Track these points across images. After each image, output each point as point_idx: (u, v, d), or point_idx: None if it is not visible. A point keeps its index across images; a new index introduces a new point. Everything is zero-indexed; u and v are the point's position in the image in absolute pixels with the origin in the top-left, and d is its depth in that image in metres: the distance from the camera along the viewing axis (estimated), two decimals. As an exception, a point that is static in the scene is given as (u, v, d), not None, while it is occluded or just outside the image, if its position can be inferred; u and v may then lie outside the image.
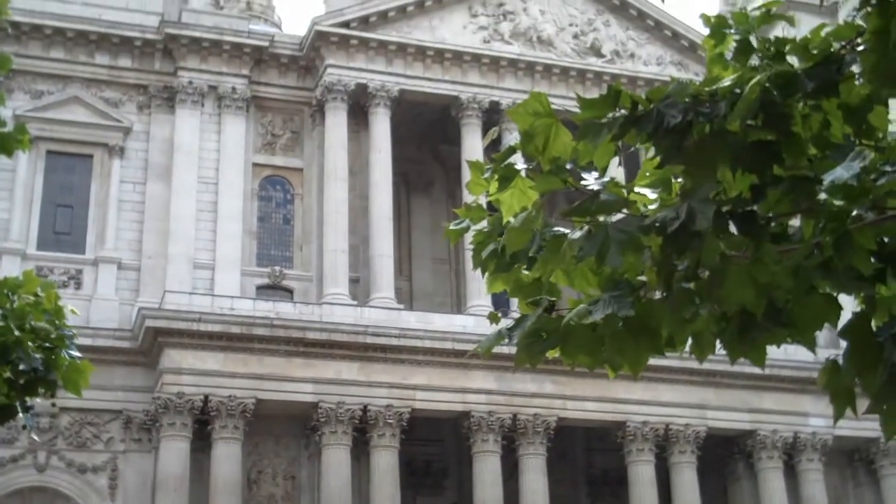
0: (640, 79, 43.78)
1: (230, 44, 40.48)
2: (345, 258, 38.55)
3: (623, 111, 4.84)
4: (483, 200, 5.58)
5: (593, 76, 43.57)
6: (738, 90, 4.61)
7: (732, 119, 4.56)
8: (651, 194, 4.99)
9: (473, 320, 37.32)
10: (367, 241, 39.37)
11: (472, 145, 41.05)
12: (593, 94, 42.51)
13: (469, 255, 39.14)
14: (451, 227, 5.75)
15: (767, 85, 4.56)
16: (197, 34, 40.09)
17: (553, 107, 5.22)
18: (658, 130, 4.73)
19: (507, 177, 5.26)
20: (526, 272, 5.34)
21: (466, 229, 5.69)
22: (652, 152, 4.84)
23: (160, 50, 40.33)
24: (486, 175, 5.38)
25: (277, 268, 39.33)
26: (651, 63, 44.97)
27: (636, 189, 5.06)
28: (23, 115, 36.42)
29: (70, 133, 38.80)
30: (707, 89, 4.76)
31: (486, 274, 5.51)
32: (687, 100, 4.72)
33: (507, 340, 5.45)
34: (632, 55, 44.84)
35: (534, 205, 5.20)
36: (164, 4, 41.57)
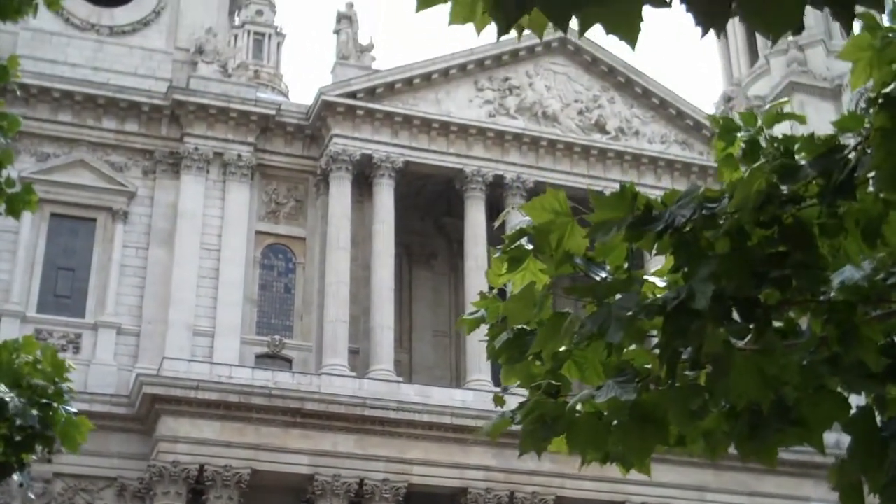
0: (645, 156, 43.99)
1: (237, 111, 40.69)
2: (345, 329, 38.43)
3: (636, 212, 4.80)
4: (491, 284, 5.52)
5: (598, 152, 43.73)
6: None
7: (731, 207, 4.52)
8: (660, 282, 4.93)
9: (473, 395, 37.11)
10: (367, 313, 39.26)
11: (476, 219, 41.12)
12: (597, 170, 43.07)
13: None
14: (466, 317, 5.69)
15: (772, 182, 4.53)
16: (204, 101, 40.31)
17: (564, 190, 5.15)
18: (668, 232, 4.67)
19: (518, 258, 5.20)
20: (538, 363, 5.27)
21: (482, 320, 5.61)
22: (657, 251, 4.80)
23: (167, 116, 40.54)
24: (497, 255, 5.32)
25: (277, 337, 39.19)
26: (655, 141, 45.16)
27: (645, 277, 5.00)
28: (28, 176, 36.44)
29: (75, 196, 38.88)
30: (715, 195, 4.72)
31: (502, 366, 5.44)
32: (696, 203, 4.67)
33: (512, 424, 5.38)
34: (636, 132, 45.02)
35: (543, 286, 5.15)
36: (173, 71, 41.86)
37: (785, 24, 3.66)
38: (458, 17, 3.98)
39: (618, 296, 4.83)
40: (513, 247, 5.24)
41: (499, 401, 5.71)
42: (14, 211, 10.83)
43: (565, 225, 5.03)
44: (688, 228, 4.57)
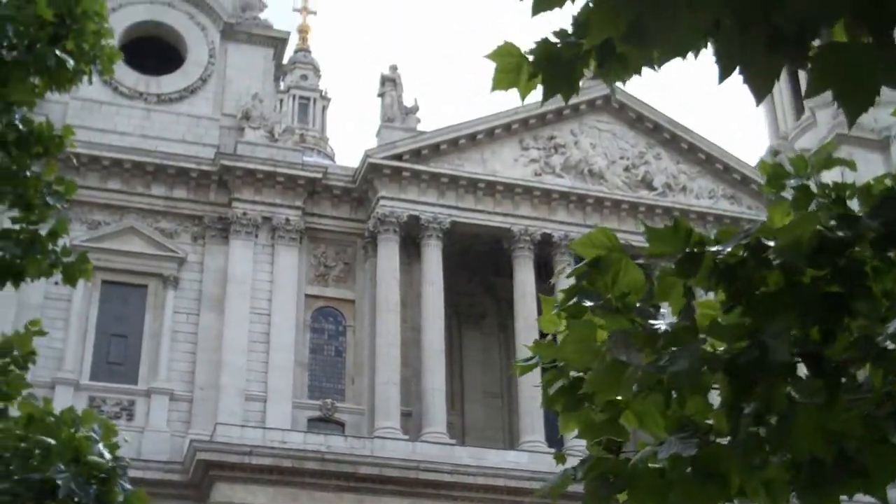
0: (693, 212, 43.72)
1: (284, 175, 40.97)
2: (396, 391, 38.31)
3: (690, 248, 4.71)
4: (545, 330, 5.44)
5: (645, 209, 43.56)
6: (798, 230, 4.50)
7: (777, 247, 4.44)
8: (719, 318, 4.84)
9: (527, 456, 36.76)
10: (418, 375, 39.14)
11: (525, 278, 41.01)
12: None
13: (521, 389, 38.91)
14: (520, 362, 5.60)
15: (828, 227, 4.45)
16: (252, 166, 40.64)
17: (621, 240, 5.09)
18: (723, 270, 4.59)
19: (576, 315, 5.12)
20: (598, 413, 5.17)
21: (535, 365, 5.52)
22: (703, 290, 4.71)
23: (215, 181, 40.88)
24: (555, 311, 5.24)
25: (329, 400, 39.12)
26: (703, 196, 44.93)
27: (703, 336, 4.90)
28: (80, 245, 36.75)
29: (125, 263, 39.20)
30: (768, 236, 4.64)
31: (559, 414, 5.34)
32: (746, 241, 4.59)
33: (574, 482, 5.28)
34: (683, 188, 44.83)
35: (602, 342, 5.06)
36: (220, 137, 42.30)
37: (861, 105, 3.61)
38: (502, 84, 4.00)
39: (677, 349, 4.74)
40: (570, 303, 5.16)
41: (559, 458, 5.62)
42: (70, 279, 10.92)
43: (619, 261, 4.97)
44: (742, 266, 4.50)
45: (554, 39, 4.04)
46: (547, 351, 5.34)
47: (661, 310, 5.00)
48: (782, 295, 4.49)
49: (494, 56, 4.03)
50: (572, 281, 5.09)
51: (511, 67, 3.98)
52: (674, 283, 4.82)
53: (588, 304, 5.03)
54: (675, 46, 3.66)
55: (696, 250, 4.71)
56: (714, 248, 4.66)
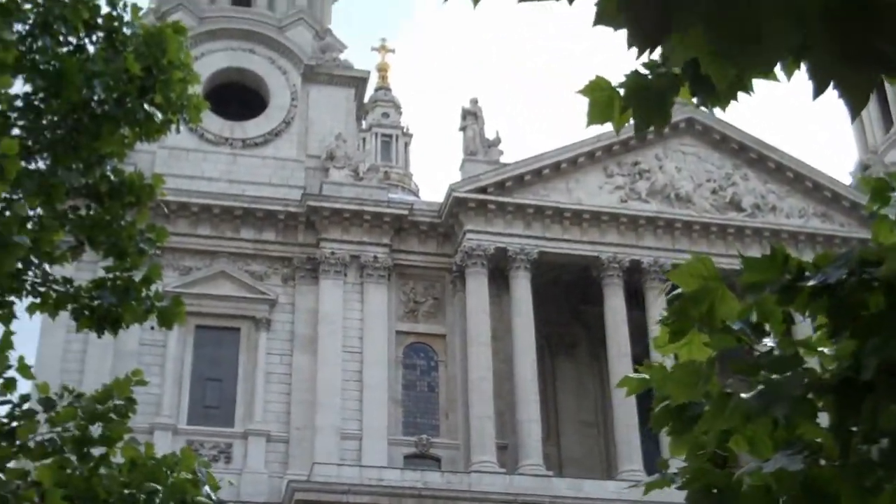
0: (784, 231, 43.14)
1: (371, 214, 41.21)
2: (491, 425, 38.17)
3: (788, 275, 4.61)
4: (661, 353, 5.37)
5: (735, 231, 43.04)
6: None
7: (885, 271, 4.31)
8: (827, 350, 4.72)
9: (627, 486, 36.33)
10: (512, 407, 38.97)
11: (615, 305, 40.72)
12: (735, 249, 42.19)
13: (617, 417, 38.55)
14: (631, 376, 5.52)
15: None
16: (338, 206, 40.95)
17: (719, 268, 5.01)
18: (824, 294, 4.48)
19: (681, 331, 5.03)
20: (706, 436, 5.08)
21: (644, 381, 5.44)
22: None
23: (303, 222, 41.23)
24: (657, 325, 5.15)
25: (424, 436, 39.12)
26: (794, 216, 44.28)
27: (811, 348, 4.79)
28: (172, 290, 37.22)
29: (218, 307, 39.65)
30: (874, 256, 4.51)
31: (668, 435, 5.26)
32: (853, 262, 4.47)
33: (671, 486, 5.18)
34: (773, 208, 44.24)
35: (707, 361, 4.97)
36: (306, 178, 42.72)
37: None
38: (595, 118, 3.98)
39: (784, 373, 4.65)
40: (674, 319, 5.09)
41: (662, 465, 5.53)
42: (165, 322, 11.05)
43: (716, 290, 4.89)
44: (843, 288, 4.38)
45: (644, 71, 4.01)
46: (657, 372, 5.27)
47: (766, 330, 4.92)
48: (885, 317, 4.36)
49: (587, 91, 4.03)
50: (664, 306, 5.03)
51: (603, 101, 3.97)
52: (773, 309, 4.72)
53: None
54: (764, 64, 3.59)
55: (794, 278, 4.61)
56: (815, 282, 4.53)
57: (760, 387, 4.60)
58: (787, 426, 4.64)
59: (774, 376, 4.63)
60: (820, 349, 4.74)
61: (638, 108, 3.75)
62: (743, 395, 4.70)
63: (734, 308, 4.86)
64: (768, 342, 4.78)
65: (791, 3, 3.29)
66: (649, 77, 4.01)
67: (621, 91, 3.98)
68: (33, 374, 10.36)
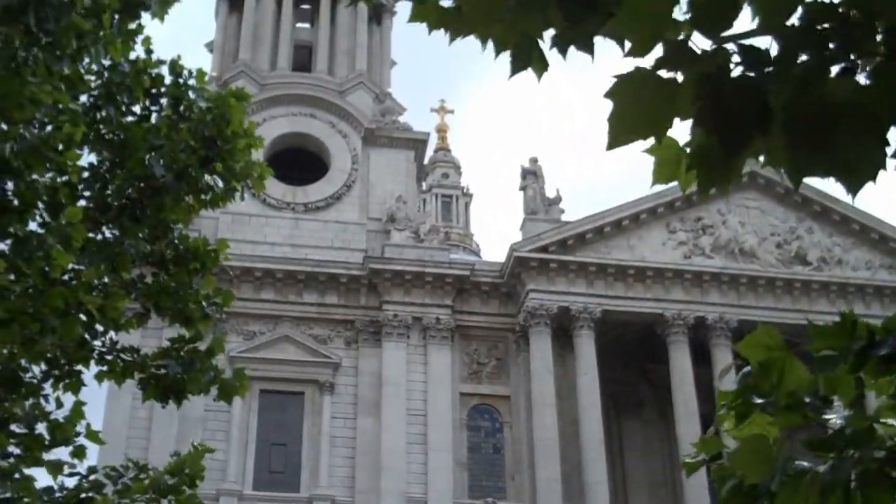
0: (851, 285, 42.55)
1: (432, 275, 41.19)
2: (558, 487, 37.72)
3: (858, 341, 4.47)
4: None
5: (801, 285, 42.49)
6: None
7: None
8: (897, 422, 4.56)
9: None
10: (579, 468, 38.49)
11: (681, 363, 40.24)
12: (803, 303, 41.77)
13: (687, 478, 37.89)
14: (688, 460, 5.38)
15: None
16: (400, 268, 40.99)
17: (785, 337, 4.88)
18: (888, 358, 4.33)
19: (745, 414, 4.89)
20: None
21: (703, 463, 5.31)
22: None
23: (365, 285, 41.30)
24: (722, 412, 5.02)
25: (490, 499, 38.73)
26: (860, 268, 43.67)
27: (882, 420, 4.63)
28: (236, 355, 37.49)
29: (281, 371, 39.70)
30: None
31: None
32: None
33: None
34: (839, 261, 43.67)
35: (775, 441, 4.81)
36: (367, 240, 42.85)
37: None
38: (662, 178, 3.94)
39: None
40: (739, 402, 4.97)
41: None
42: (226, 396, 11.03)
43: (783, 360, 4.76)
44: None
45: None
46: (713, 446, 5.15)
47: (834, 402, 4.78)
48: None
49: (653, 150, 3.96)
50: (732, 376, 4.92)
51: (670, 160, 3.91)
52: (843, 376, 4.57)
53: (757, 401, 4.84)
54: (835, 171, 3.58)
55: (865, 345, 4.46)
56: (887, 350, 4.38)
57: (833, 461, 4.48)
58: (863, 500, 4.49)
59: (850, 451, 4.51)
60: (891, 421, 4.60)
61: (703, 168, 3.67)
62: (818, 470, 4.59)
63: (803, 378, 4.75)
64: (836, 415, 4.64)
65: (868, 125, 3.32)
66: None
67: (687, 150, 3.92)
68: (102, 440, 10.36)
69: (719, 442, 5.31)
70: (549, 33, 3.82)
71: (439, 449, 38.69)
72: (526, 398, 40.18)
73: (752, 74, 3.45)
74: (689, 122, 3.62)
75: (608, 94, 3.61)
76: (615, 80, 3.57)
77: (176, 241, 11.24)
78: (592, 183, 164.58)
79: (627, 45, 3.60)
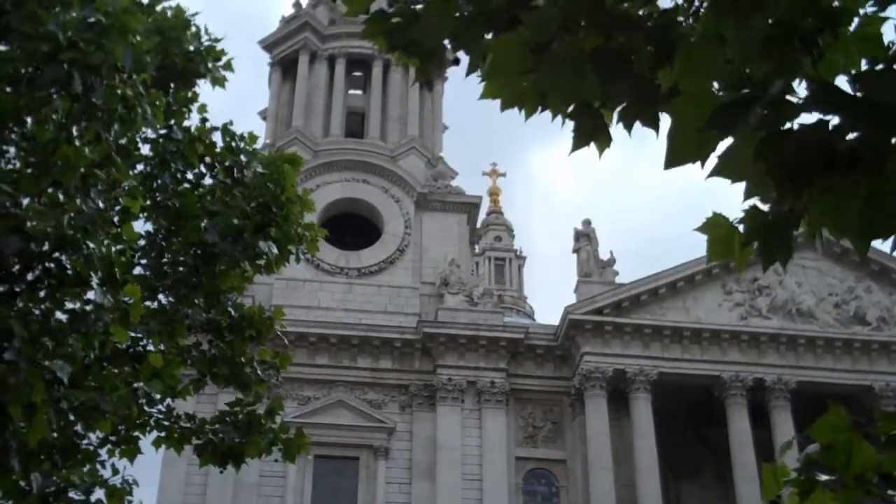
0: (912, 345, 41.91)
1: (486, 339, 41.08)
2: (617, 551, 37.20)
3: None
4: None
5: (860, 345, 41.89)
6: None
7: None
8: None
9: None
10: (637, 533, 37.98)
11: (740, 426, 39.71)
12: (863, 363, 41.17)
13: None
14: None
15: None
16: (454, 332, 40.91)
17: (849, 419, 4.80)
18: None
19: (808, 490, 4.80)
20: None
21: (781, 512, 5.21)
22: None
23: (419, 349, 41.24)
24: (787, 490, 4.93)
25: (548, 565, 38.29)
26: (922, 327, 42.99)
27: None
28: (291, 421, 37.38)
29: (336, 437, 39.61)
30: None
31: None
32: None
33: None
34: (899, 321, 43.04)
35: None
36: (421, 304, 42.84)
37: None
38: (717, 255, 3.98)
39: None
40: (802, 478, 4.89)
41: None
42: (290, 455, 11.06)
43: (850, 441, 4.68)
44: None
45: (763, 206, 3.93)
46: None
47: None
48: None
49: (705, 228, 3.98)
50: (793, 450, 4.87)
51: (723, 238, 3.96)
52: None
53: (822, 478, 4.75)
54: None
55: None
56: None
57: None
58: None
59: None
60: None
61: (761, 243, 3.68)
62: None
63: (871, 458, 4.67)
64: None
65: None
66: (768, 212, 3.93)
67: (741, 227, 3.91)
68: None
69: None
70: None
71: (495, 514, 38.37)
72: (582, 462, 39.80)
73: (822, 117, 3.43)
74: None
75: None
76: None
77: (230, 309, 11.30)
78: (648, 244, 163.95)
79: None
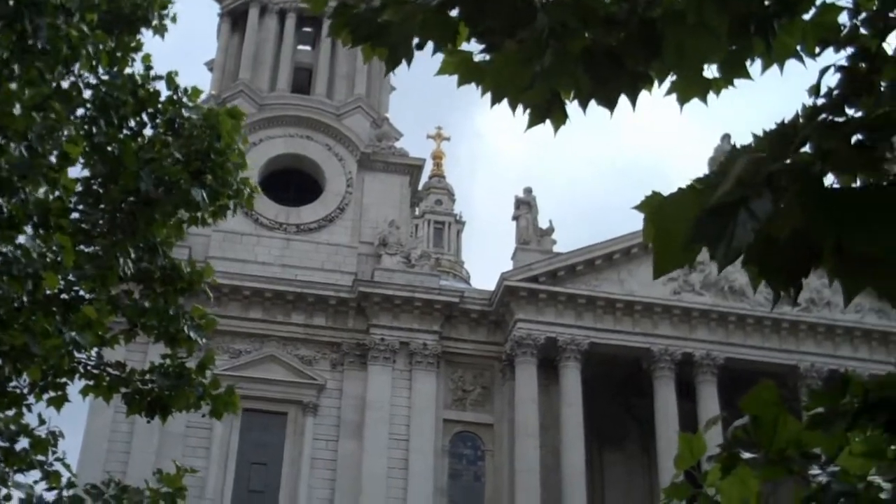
0: (839, 327, 42.61)
1: (422, 301, 41.20)
2: (537, 517, 37.63)
3: (854, 400, 4.51)
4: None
5: (789, 325, 42.53)
6: None
7: None
8: (884, 483, 4.59)
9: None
10: (559, 500, 38.44)
11: (666, 398, 40.26)
12: (790, 343, 41.79)
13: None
14: (676, 486, 5.39)
15: None
16: (389, 292, 40.98)
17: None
18: (894, 421, 4.38)
19: (730, 467, 4.93)
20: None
21: (689, 491, 5.32)
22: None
23: (353, 308, 41.27)
24: (707, 466, 5.04)
25: (469, 527, 38.66)
26: (849, 311, 43.64)
27: (869, 478, 4.66)
28: (222, 374, 37.22)
29: (266, 391, 39.61)
30: None
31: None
32: None
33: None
34: (828, 303, 43.70)
35: (755, 497, 4.84)
36: (358, 264, 42.83)
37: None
38: (651, 235, 3.99)
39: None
40: (724, 455, 5.00)
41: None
42: (217, 413, 11.07)
43: (777, 416, 4.79)
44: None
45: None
46: (683, 492, 5.16)
47: (822, 458, 4.82)
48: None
49: (643, 207, 4.02)
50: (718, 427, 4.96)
51: (674, 251, 3.95)
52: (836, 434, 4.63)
53: (744, 455, 4.87)
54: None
55: (860, 407, 4.52)
56: (885, 417, 4.45)
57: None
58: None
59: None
60: (876, 480, 4.64)
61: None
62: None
63: (795, 431, 4.78)
64: (823, 474, 4.68)
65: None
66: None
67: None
68: (73, 471, 10.44)
69: (688, 488, 5.32)
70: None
71: (420, 475, 38.61)
72: (509, 427, 40.16)
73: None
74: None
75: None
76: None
77: (163, 260, 11.29)
78: (594, 213, 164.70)
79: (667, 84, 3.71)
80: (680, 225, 3.52)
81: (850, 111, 3.61)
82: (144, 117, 11.48)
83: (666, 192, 3.76)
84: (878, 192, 3.26)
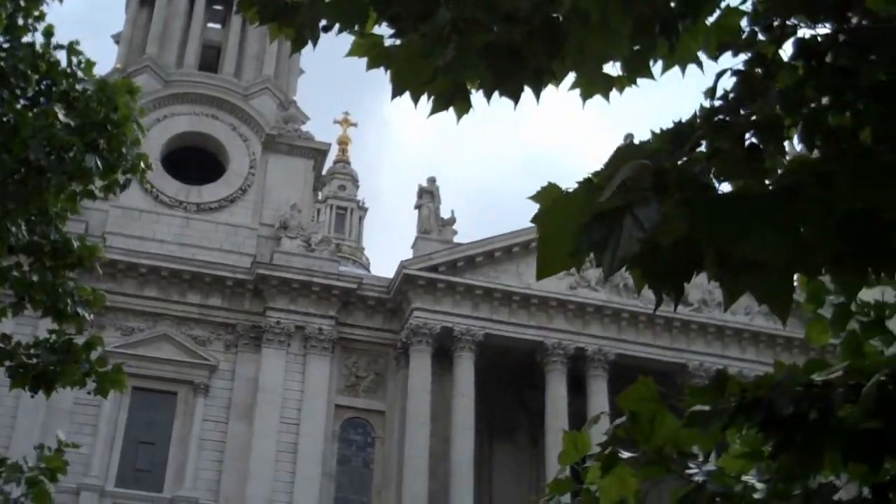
0: (729, 328, 43.45)
1: (319, 285, 41.12)
2: (423, 505, 37.83)
3: (732, 399, 4.65)
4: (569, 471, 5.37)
5: (680, 324, 43.29)
6: (851, 382, 4.39)
7: (853, 419, 4.35)
8: (758, 483, 4.75)
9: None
10: (447, 488, 38.68)
11: (557, 392, 40.70)
12: (681, 342, 42.51)
13: None
14: (559, 481, 5.52)
15: (883, 379, 4.35)
16: (287, 275, 40.84)
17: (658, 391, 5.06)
18: (769, 421, 4.52)
19: (609, 466, 5.05)
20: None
21: (572, 485, 5.45)
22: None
23: (251, 290, 41.07)
24: (589, 464, 5.15)
25: (353, 512, 38.72)
26: (739, 312, 44.53)
27: (744, 478, 4.83)
28: (113, 351, 36.79)
29: (157, 370, 39.26)
30: (819, 378, 4.52)
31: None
32: (798, 388, 4.49)
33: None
34: (719, 304, 44.50)
35: (634, 495, 4.98)
36: (257, 246, 42.59)
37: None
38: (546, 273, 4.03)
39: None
40: (604, 453, 5.11)
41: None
42: (103, 391, 10.99)
43: (655, 412, 4.91)
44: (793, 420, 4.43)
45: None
46: (565, 487, 5.27)
47: (699, 456, 4.95)
48: (822, 431, 4.39)
49: (538, 198, 4.07)
50: (604, 424, 5.06)
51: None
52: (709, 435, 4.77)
53: (623, 455, 4.98)
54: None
55: (738, 406, 4.66)
56: (763, 415, 4.59)
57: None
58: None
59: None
60: (750, 480, 4.78)
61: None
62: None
63: (673, 428, 4.88)
64: (700, 473, 4.80)
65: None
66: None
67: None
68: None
69: (572, 484, 5.43)
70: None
71: (308, 459, 38.58)
72: (401, 415, 40.30)
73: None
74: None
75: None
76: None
77: (54, 234, 11.18)
78: (490, 205, 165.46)
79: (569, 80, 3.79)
80: (568, 227, 3.57)
81: (743, 114, 3.73)
82: (42, 87, 11.36)
83: (565, 186, 3.83)
84: (759, 199, 3.39)
